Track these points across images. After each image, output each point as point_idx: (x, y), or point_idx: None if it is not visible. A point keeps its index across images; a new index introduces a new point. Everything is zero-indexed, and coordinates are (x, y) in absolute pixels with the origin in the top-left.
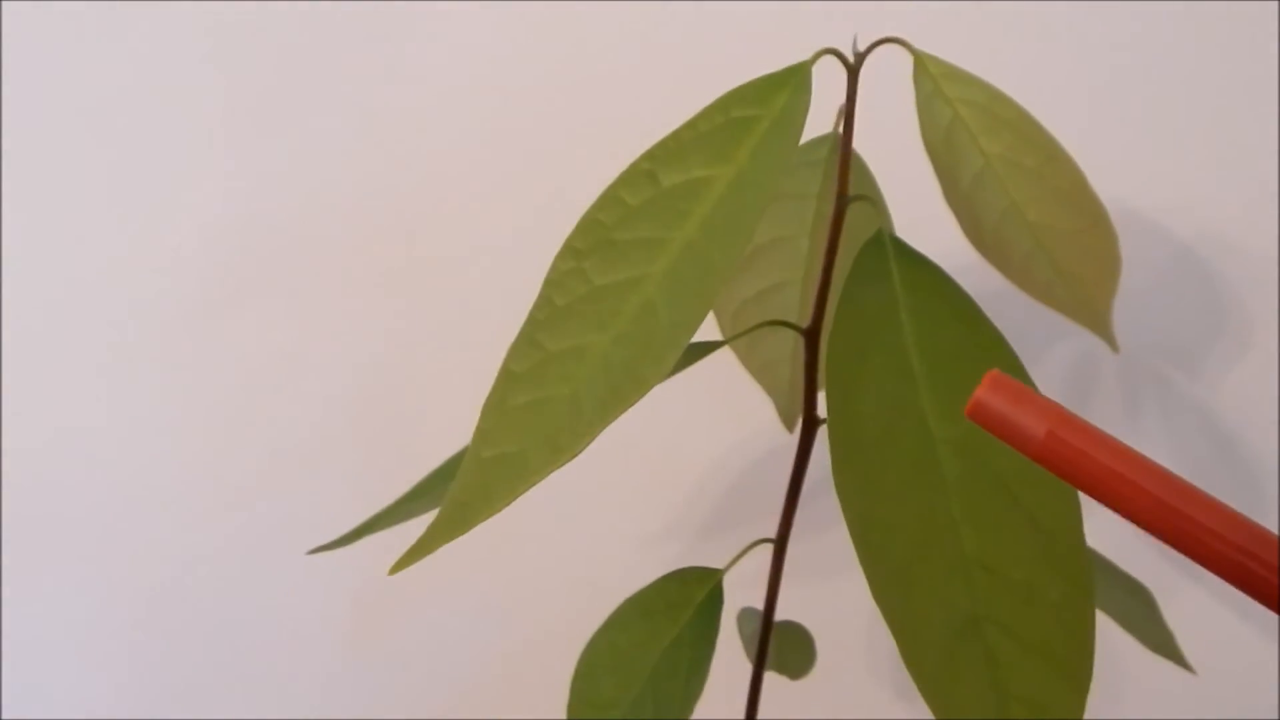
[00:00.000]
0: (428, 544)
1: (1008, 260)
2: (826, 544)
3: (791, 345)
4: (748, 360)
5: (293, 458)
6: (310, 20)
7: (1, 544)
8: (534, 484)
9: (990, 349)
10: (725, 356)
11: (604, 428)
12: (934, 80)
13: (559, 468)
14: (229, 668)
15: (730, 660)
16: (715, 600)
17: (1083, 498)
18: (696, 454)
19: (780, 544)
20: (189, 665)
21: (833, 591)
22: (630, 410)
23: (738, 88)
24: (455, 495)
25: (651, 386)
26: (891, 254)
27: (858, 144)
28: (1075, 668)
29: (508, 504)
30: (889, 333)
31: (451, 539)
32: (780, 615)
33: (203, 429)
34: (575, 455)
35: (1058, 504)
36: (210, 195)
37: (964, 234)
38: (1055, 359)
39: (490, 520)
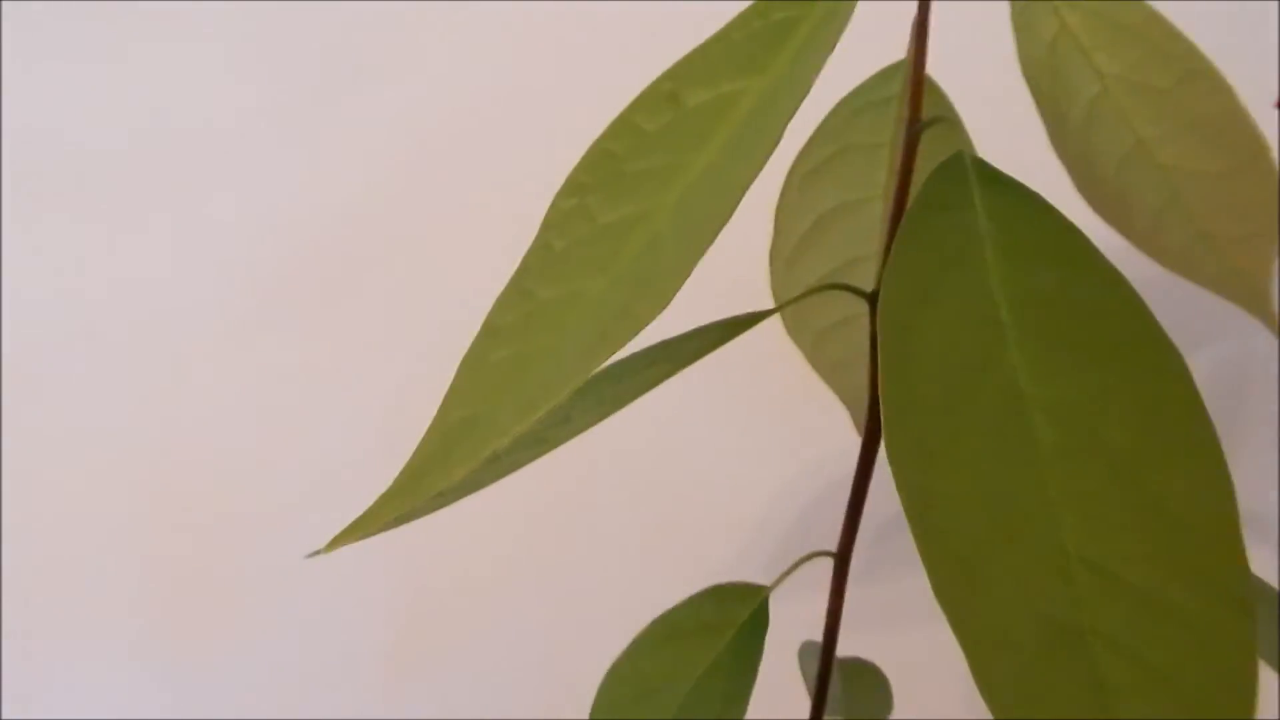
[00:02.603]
0: (376, 515)
1: (1133, 218)
2: (914, 583)
3: (868, 339)
4: (816, 360)
5: (329, 473)
6: (338, 30)
7: (1, 565)
8: (497, 446)
9: (1109, 297)
10: (796, 365)
11: (584, 378)
12: None
13: (527, 426)
14: (259, 686)
15: (794, 702)
16: (759, 623)
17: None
18: (766, 477)
19: (842, 559)
20: (218, 687)
21: (918, 634)
22: (691, 434)
23: None
24: (412, 460)
25: (644, 326)
26: (974, 178)
27: (935, 72)
28: (1222, 707)
29: (468, 469)
30: (968, 272)
31: (402, 509)
32: (854, 657)
33: (238, 444)
34: (547, 410)
35: (1200, 487)
36: (244, 209)
37: (1075, 186)
38: (1199, 351)
39: (540, 547)
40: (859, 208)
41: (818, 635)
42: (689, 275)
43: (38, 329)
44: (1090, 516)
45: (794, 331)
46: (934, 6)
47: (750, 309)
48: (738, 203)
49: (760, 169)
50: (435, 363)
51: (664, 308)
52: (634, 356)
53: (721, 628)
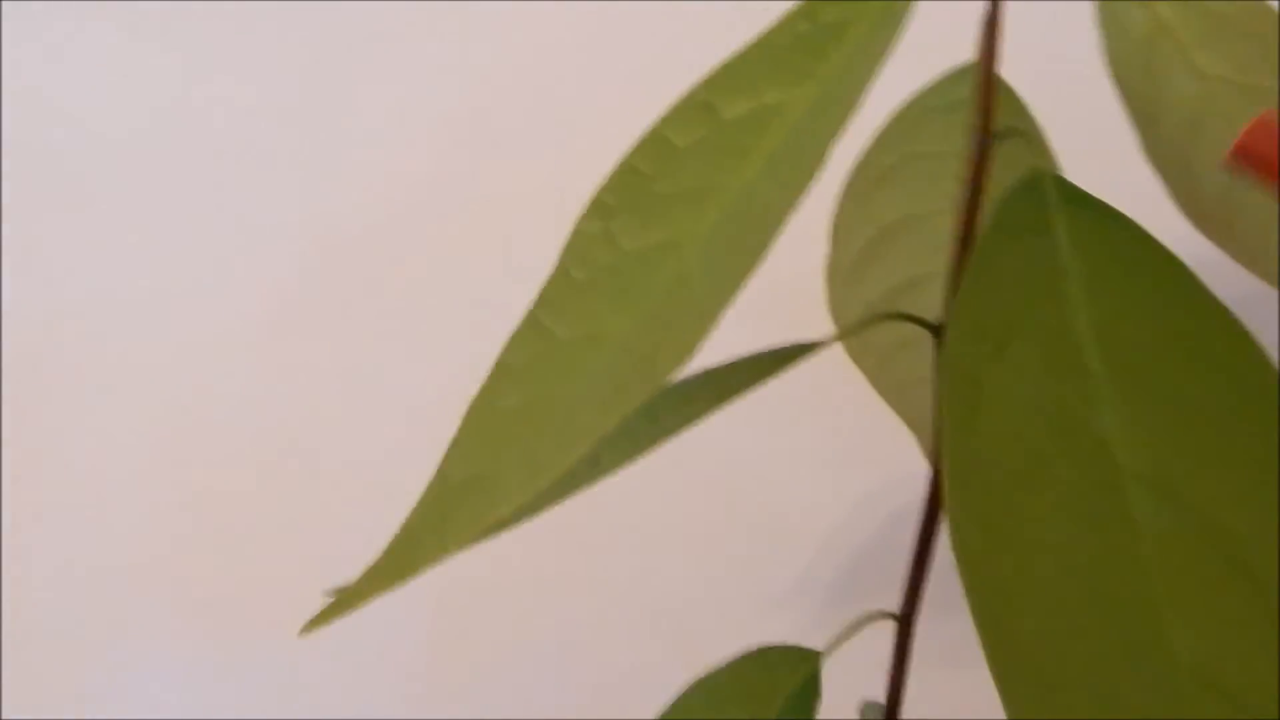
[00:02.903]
0: (363, 589)
1: (1238, 234)
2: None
3: (934, 360)
4: (879, 381)
5: (370, 480)
6: (381, 29)
7: (1, 566)
8: (502, 514)
9: (1219, 342)
10: (860, 384)
11: (595, 440)
12: None
13: (535, 493)
14: (291, 699)
15: None
16: (809, 691)
17: None
18: (829, 503)
19: (905, 620)
20: (251, 697)
21: (974, 685)
22: (752, 449)
23: None
24: (407, 527)
25: (664, 382)
26: (1055, 201)
27: (1010, 76)
28: None
29: (466, 540)
30: (1049, 312)
31: (392, 586)
32: (914, 712)
33: (279, 451)
34: (555, 476)
35: None
36: (288, 210)
37: (1172, 199)
38: None
39: (582, 564)
40: (925, 221)
41: (873, 688)
42: (718, 320)
43: (63, 328)
44: (1203, 617)
45: (855, 353)
46: (1009, 9)
47: (808, 322)
48: (776, 234)
49: (803, 194)
50: (472, 364)
51: (689, 359)
52: (672, 390)
53: (769, 695)
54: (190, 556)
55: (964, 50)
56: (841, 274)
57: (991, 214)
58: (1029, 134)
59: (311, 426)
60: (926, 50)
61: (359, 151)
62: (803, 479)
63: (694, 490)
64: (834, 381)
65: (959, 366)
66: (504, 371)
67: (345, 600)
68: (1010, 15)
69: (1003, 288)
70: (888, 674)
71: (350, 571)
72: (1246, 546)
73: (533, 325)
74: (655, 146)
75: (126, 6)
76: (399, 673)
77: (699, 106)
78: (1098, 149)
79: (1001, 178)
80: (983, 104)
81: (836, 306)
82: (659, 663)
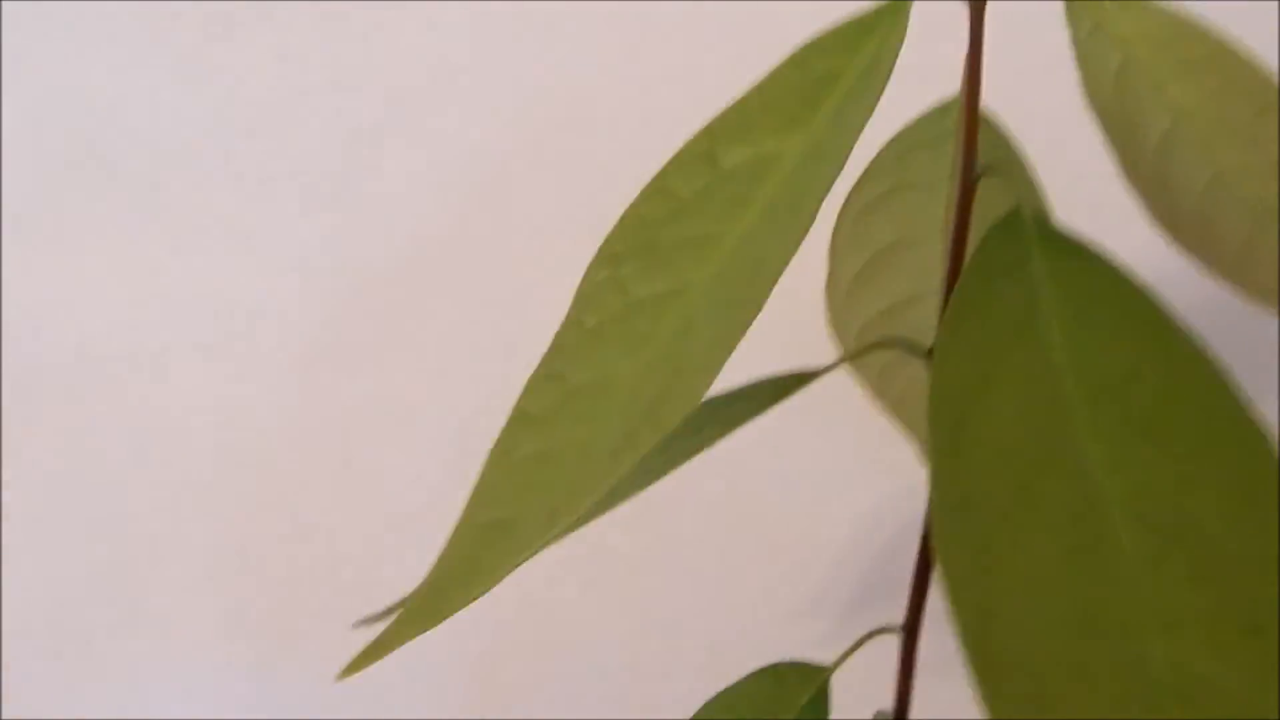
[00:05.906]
0: (399, 634)
1: (1217, 252)
2: None
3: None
4: (881, 394)
5: (400, 514)
6: (415, 53)
7: None
8: (522, 560)
9: (1188, 368)
10: (864, 399)
11: (610, 484)
12: (1094, 13)
13: (551, 540)
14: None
15: None
16: (820, 706)
17: None
18: (845, 513)
19: (910, 634)
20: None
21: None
22: (756, 467)
23: (817, 38)
24: (435, 574)
25: (672, 426)
26: (1034, 237)
27: (995, 106)
28: None
29: (492, 584)
30: (1028, 349)
31: (424, 629)
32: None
33: (307, 484)
34: (571, 521)
35: None
36: (316, 238)
37: (1150, 215)
38: None
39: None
40: (915, 247)
41: (883, 700)
42: (720, 368)
43: (92, 362)
44: (1185, 637)
45: (858, 370)
46: (989, 42)
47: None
48: (774, 283)
49: (799, 243)
50: (507, 394)
51: (694, 406)
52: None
53: (780, 712)
54: (241, 587)
55: (952, 78)
56: (841, 291)
57: (974, 251)
58: (1011, 169)
59: (345, 458)
60: (917, 79)
61: (392, 185)
62: (808, 496)
63: (699, 509)
64: (837, 398)
65: (944, 403)
66: (521, 418)
67: (380, 645)
68: (996, 49)
69: (984, 327)
70: (895, 685)
71: (382, 601)
72: (1223, 562)
73: (547, 373)
74: (660, 194)
75: (170, 30)
76: (419, 685)
77: (700, 156)
78: (1082, 173)
79: (988, 212)
80: (967, 146)
81: (837, 322)
82: (670, 682)
